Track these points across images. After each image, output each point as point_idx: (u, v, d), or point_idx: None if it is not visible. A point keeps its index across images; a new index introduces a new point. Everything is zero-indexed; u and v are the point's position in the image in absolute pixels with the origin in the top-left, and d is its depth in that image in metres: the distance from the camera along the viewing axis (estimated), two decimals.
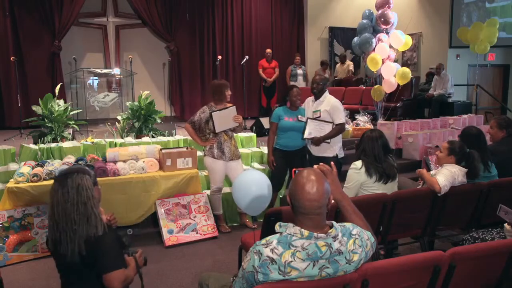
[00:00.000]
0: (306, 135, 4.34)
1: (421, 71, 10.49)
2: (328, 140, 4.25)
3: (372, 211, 2.93)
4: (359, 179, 3.19)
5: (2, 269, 3.39)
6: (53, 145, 4.92)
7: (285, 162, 4.44)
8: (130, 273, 2.07)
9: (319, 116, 4.29)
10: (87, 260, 1.96)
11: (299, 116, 4.42)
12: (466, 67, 10.22)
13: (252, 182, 2.40)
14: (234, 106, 4.33)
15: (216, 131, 4.26)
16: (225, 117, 4.26)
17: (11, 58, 7.58)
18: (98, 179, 4.32)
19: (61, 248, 1.98)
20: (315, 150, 4.36)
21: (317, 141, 4.25)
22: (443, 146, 3.30)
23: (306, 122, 4.37)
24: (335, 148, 4.32)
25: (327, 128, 4.25)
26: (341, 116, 4.29)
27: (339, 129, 4.28)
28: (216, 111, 4.24)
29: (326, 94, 4.35)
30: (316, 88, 4.30)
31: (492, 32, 7.96)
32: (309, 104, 4.45)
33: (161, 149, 4.58)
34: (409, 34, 8.59)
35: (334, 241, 1.66)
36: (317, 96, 4.34)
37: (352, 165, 3.25)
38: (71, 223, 1.96)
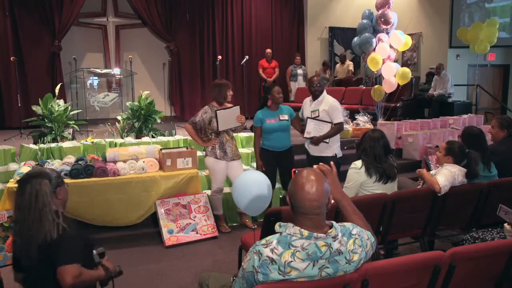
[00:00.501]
0: (305, 135, 4.35)
1: (421, 71, 10.48)
2: (327, 140, 4.25)
3: (372, 211, 2.93)
4: (359, 179, 3.18)
5: (2, 269, 3.38)
6: (53, 145, 4.92)
7: (274, 162, 4.44)
8: (93, 273, 2.05)
9: (318, 116, 4.29)
10: (45, 264, 1.95)
11: (281, 116, 4.42)
12: (466, 67, 10.22)
13: (252, 182, 2.40)
14: (238, 106, 4.34)
15: (219, 130, 4.26)
16: (228, 116, 4.26)
17: (11, 58, 7.58)
18: (98, 179, 4.28)
19: (18, 252, 2.00)
20: (313, 150, 4.36)
21: (316, 141, 4.25)
22: (442, 146, 3.31)
23: (306, 121, 4.37)
24: (334, 147, 4.32)
25: (326, 128, 4.24)
26: (339, 116, 4.29)
27: (338, 128, 4.28)
28: (220, 109, 4.24)
29: (324, 94, 4.35)
30: (318, 90, 4.29)
31: (492, 32, 7.95)
32: (307, 104, 4.45)
33: (161, 149, 4.58)
34: (409, 34, 8.60)
35: (334, 241, 1.66)
36: (316, 96, 4.34)
37: (352, 165, 3.24)
38: (27, 229, 1.97)
